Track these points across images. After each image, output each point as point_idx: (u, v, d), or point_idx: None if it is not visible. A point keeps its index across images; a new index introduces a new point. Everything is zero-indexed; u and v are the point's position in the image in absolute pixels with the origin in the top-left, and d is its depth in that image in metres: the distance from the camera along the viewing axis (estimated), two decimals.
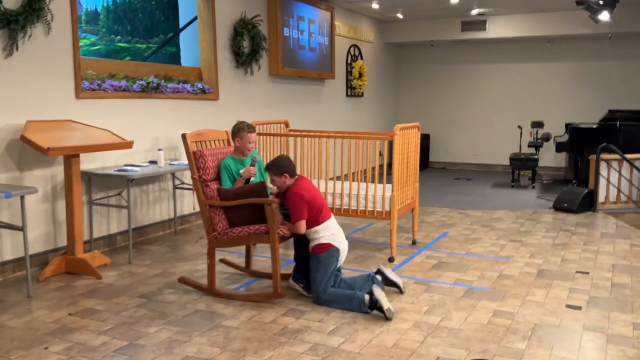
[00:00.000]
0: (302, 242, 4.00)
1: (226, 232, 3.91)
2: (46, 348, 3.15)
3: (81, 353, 3.09)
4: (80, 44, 5.14)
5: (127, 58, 6.35)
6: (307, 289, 3.97)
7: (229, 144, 4.38)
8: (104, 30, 6.22)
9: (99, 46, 6.20)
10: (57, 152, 4.16)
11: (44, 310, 3.72)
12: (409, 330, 3.40)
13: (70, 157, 4.41)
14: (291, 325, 3.48)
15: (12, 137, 4.37)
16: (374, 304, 3.58)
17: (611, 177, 7.26)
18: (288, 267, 4.66)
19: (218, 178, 4.05)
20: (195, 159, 3.94)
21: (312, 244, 3.87)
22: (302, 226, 3.83)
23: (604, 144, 7.15)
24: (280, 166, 3.87)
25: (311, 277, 3.86)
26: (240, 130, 4.09)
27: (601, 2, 7.66)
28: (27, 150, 4.45)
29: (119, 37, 6.41)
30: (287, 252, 5.11)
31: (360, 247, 5.33)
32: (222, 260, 4.66)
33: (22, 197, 3.88)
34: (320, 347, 3.16)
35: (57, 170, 4.72)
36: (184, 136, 3.93)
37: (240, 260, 4.79)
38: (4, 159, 4.33)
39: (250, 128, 4.11)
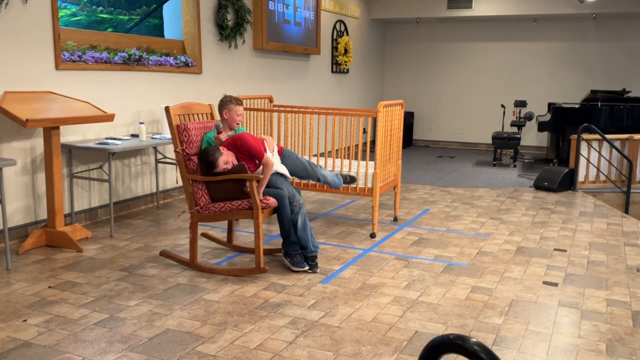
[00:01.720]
0: (285, 218, 4.00)
1: (208, 207, 3.91)
2: (25, 320, 3.15)
3: (61, 325, 3.09)
4: (61, 14, 5.04)
5: (109, 29, 6.23)
6: (294, 262, 3.98)
7: (212, 117, 4.35)
8: (85, 0, 6.09)
9: (80, 17, 6.07)
10: (36, 124, 4.10)
11: (23, 283, 3.71)
12: (388, 304, 3.45)
13: (50, 129, 4.36)
14: (272, 299, 3.51)
15: None
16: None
17: (591, 157, 7.36)
18: (271, 243, 4.68)
19: None
20: (179, 133, 3.91)
21: (277, 149, 4.23)
22: (269, 159, 3.94)
23: (585, 124, 7.22)
24: (214, 156, 3.78)
25: (302, 165, 4.35)
26: (228, 102, 4.08)
27: None
28: (5, 121, 4.38)
29: (100, 7, 6.28)
30: (270, 228, 5.13)
31: (342, 224, 5.36)
32: (204, 235, 4.66)
33: (0, 169, 3.83)
34: (300, 321, 3.19)
35: (37, 143, 4.66)
36: (167, 109, 3.90)
37: (223, 235, 4.80)
38: None
39: (238, 101, 4.10)
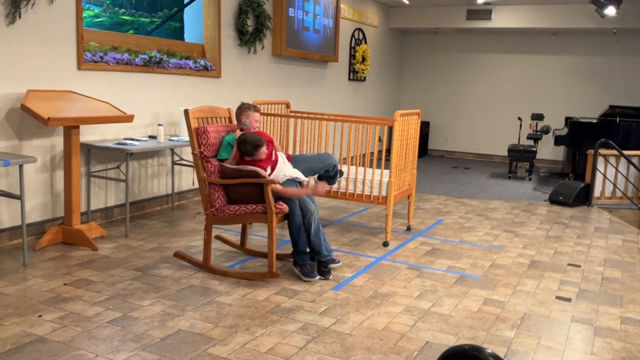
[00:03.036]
0: (294, 225, 4.00)
1: (223, 210, 3.94)
2: (40, 316, 3.19)
3: (75, 322, 3.12)
4: (84, 15, 5.11)
5: (131, 31, 6.32)
6: (304, 272, 3.97)
7: (230, 121, 4.39)
8: (108, 2, 6.18)
9: (103, 18, 6.17)
10: (57, 122, 4.16)
11: (39, 278, 3.75)
12: (399, 314, 3.44)
13: (70, 128, 4.42)
14: (283, 304, 3.52)
15: (13, 106, 4.37)
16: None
17: (608, 172, 7.30)
18: (283, 247, 4.70)
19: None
20: (198, 135, 3.95)
21: (285, 157, 4.32)
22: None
23: (603, 139, 7.17)
24: (256, 140, 3.92)
25: (314, 157, 4.45)
26: (247, 109, 4.20)
27: None
28: (27, 119, 4.45)
29: (123, 9, 6.37)
30: (283, 233, 5.15)
31: (355, 231, 5.37)
32: (218, 237, 4.69)
33: (20, 166, 3.89)
34: (311, 327, 3.20)
35: (57, 141, 4.73)
36: (186, 112, 3.94)
37: (236, 239, 4.82)
38: (4, 127, 4.33)
39: (256, 108, 4.25)
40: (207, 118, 4.15)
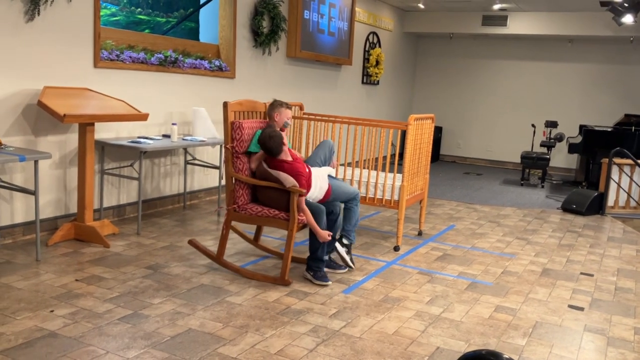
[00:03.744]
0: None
1: (246, 208, 3.94)
2: (52, 311, 3.20)
3: (86, 319, 3.13)
4: (101, 13, 5.14)
5: (146, 31, 6.35)
6: (317, 277, 3.96)
7: (264, 117, 4.40)
8: (124, 1, 6.22)
9: (119, 17, 6.20)
10: (73, 119, 4.18)
11: (51, 274, 3.77)
12: (410, 319, 3.43)
13: (85, 125, 4.44)
14: (294, 305, 3.51)
15: (29, 102, 4.40)
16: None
17: (622, 181, 7.23)
18: (295, 249, 4.68)
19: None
20: (233, 130, 3.94)
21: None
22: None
23: (618, 148, 7.10)
24: (276, 131, 3.93)
25: (318, 152, 4.44)
26: (279, 106, 4.23)
27: (626, 5, 7.57)
28: (42, 115, 4.48)
29: (139, 9, 6.40)
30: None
31: (366, 235, 5.35)
32: (232, 228, 4.67)
33: (36, 162, 3.92)
34: (321, 329, 3.19)
35: (71, 138, 4.76)
36: (225, 104, 3.92)
37: (249, 234, 4.82)
38: (20, 122, 4.37)
39: (288, 105, 4.30)
40: (245, 112, 4.15)
